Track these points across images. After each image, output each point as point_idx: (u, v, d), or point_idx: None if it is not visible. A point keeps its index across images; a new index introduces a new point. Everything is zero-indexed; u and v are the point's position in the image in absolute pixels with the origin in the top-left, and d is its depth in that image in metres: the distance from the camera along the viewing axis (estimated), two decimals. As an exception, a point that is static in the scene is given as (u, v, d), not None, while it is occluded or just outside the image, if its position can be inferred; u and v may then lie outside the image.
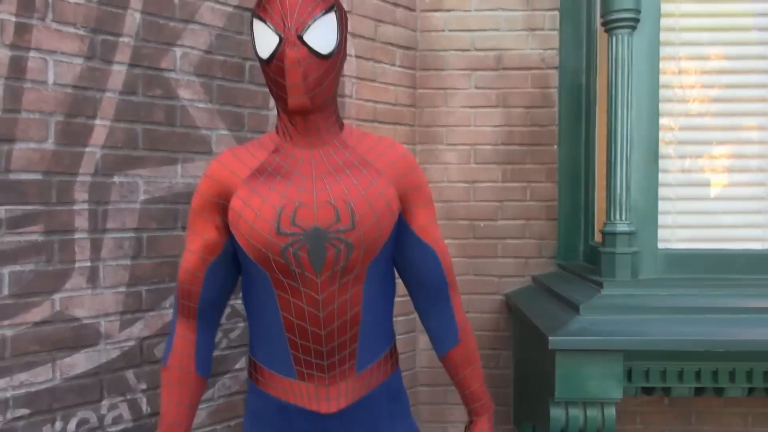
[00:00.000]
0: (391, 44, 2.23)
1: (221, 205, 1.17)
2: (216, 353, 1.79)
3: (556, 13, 2.31)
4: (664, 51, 1.96)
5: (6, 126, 1.42)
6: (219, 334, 1.80)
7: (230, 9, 1.80)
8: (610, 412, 1.74)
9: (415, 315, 2.35)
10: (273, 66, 1.08)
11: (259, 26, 1.09)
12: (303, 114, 1.12)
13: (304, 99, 1.08)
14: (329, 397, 1.20)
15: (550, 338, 1.63)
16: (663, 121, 1.97)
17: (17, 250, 1.45)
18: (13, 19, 1.42)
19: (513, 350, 2.34)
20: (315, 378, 1.18)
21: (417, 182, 1.25)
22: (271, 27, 1.07)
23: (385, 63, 2.22)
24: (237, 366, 1.85)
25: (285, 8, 1.06)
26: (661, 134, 1.97)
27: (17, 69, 1.43)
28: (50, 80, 1.48)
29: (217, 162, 1.18)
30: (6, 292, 1.44)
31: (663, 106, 1.96)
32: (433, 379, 2.37)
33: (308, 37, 1.07)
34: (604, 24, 1.88)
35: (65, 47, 1.50)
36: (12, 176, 1.44)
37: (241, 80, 1.83)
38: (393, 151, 1.23)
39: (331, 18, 1.10)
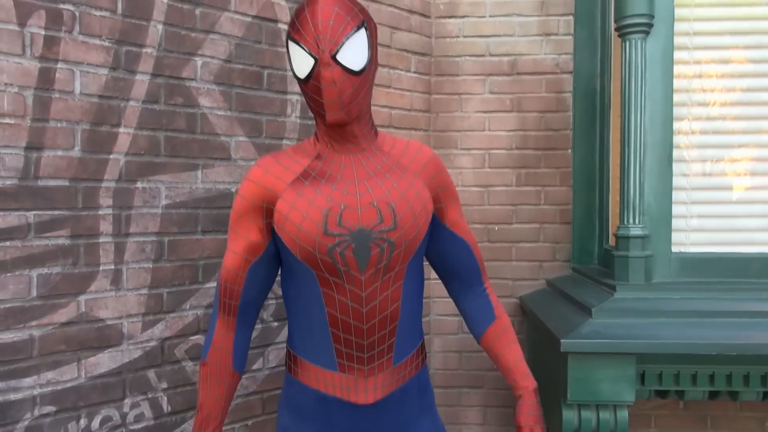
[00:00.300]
0: (407, 51, 2.27)
1: (265, 208, 1.23)
2: (234, 354, 1.84)
3: (571, 18, 2.33)
4: (678, 55, 1.96)
5: (35, 134, 1.49)
6: (237, 335, 1.85)
7: (249, 19, 1.85)
8: (623, 414, 1.74)
9: (430, 317, 2.38)
10: (310, 85, 1.15)
11: (294, 48, 1.16)
12: (341, 126, 1.19)
13: (341, 114, 1.15)
14: (367, 389, 1.26)
15: (562, 341, 1.65)
16: (677, 125, 1.97)
17: (45, 253, 1.51)
18: (43, 32, 1.49)
19: (527, 353, 2.35)
20: (355, 370, 1.25)
21: (446, 182, 1.34)
22: (306, 49, 1.13)
23: (401, 69, 2.25)
24: (254, 367, 1.90)
25: (318, 30, 1.11)
26: (676, 138, 1.98)
27: (46, 80, 1.50)
28: (77, 90, 1.54)
29: (259, 167, 1.24)
30: (34, 293, 1.50)
31: (677, 110, 1.97)
32: (448, 381, 2.39)
33: (341, 57, 1.13)
34: (617, 29, 1.89)
35: (91, 58, 1.56)
36: (41, 182, 1.50)
37: (259, 88, 1.88)
38: (423, 154, 1.31)
39: (362, 35, 1.15)
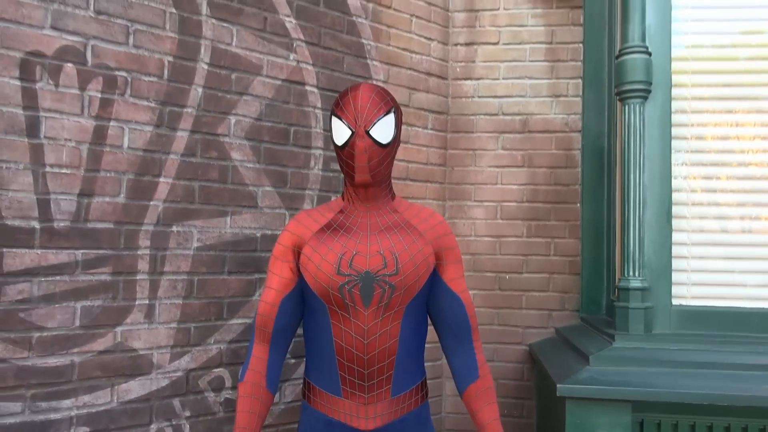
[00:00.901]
0: (424, 109, 2.46)
1: (296, 252, 1.49)
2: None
3: (579, 81, 2.49)
4: (677, 118, 2.09)
5: (87, 183, 1.70)
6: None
7: (279, 82, 2.07)
8: (621, 461, 1.80)
9: (442, 361, 2.48)
10: (345, 152, 1.42)
11: (336, 122, 1.44)
12: (365, 187, 1.45)
13: (368, 177, 1.42)
14: (368, 416, 1.44)
15: (558, 386, 1.74)
16: (676, 183, 2.07)
17: (89, 287, 1.70)
18: (99, 95, 1.72)
19: (536, 400, 2.42)
20: (356, 397, 1.44)
21: (450, 244, 1.55)
22: (346, 123, 1.42)
23: (418, 126, 2.44)
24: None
25: (357, 110, 1.41)
26: (676, 196, 2.07)
27: (99, 136, 1.72)
28: (125, 145, 1.76)
29: (295, 220, 1.53)
30: (77, 323, 1.68)
31: (677, 169, 2.08)
32: (458, 425, 2.47)
33: (373, 132, 1.41)
34: (617, 94, 2.04)
35: (139, 117, 1.79)
36: (89, 225, 1.70)
37: (285, 143, 2.08)
38: (433, 218, 1.55)
39: (391, 117, 1.44)
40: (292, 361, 2.09)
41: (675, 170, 2.07)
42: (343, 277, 1.42)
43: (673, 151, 2.05)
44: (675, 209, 2.06)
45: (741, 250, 2.07)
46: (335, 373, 1.45)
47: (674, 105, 2.08)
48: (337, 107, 1.46)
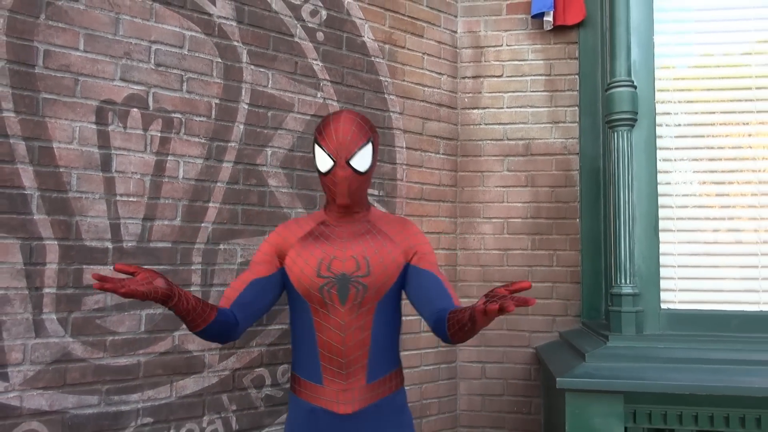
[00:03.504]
0: (436, 136, 2.74)
1: (279, 250, 1.68)
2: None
3: (576, 108, 2.76)
4: (660, 143, 2.34)
5: (149, 209, 2.00)
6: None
7: (308, 117, 2.36)
8: (616, 448, 2.03)
9: (457, 363, 2.73)
10: (328, 179, 1.61)
11: (319, 150, 1.61)
12: (346, 207, 1.66)
13: (347, 200, 1.62)
14: (345, 401, 1.62)
15: (558, 379, 1.99)
16: (662, 200, 2.33)
17: (152, 298, 1.99)
18: (159, 134, 2.03)
19: (542, 398, 2.66)
20: (336, 384, 1.63)
21: (418, 241, 1.71)
22: (328, 153, 1.59)
23: (431, 152, 2.72)
24: (305, 397, 2.30)
25: (339, 141, 1.58)
26: (662, 211, 2.33)
27: (159, 168, 2.02)
28: (180, 176, 2.06)
29: (284, 225, 1.73)
30: (143, 328, 1.97)
31: (662, 188, 2.33)
32: (472, 421, 2.71)
33: (353, 162, 1.59)
34: (607, 122, 2.30)
35: (191, 152, 2.09)
36: (152, 244, 2.00)
37: (314, 170, 2.37)
38: (401, 224, 1.74)
39: (369, 147, 1.62)
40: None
41: (660, 189, 2.32)
42: (323, 279, 1.61)
43: (658, 171, 2.31)
44: (662, 223, 2.31)
45: (722, 259, 2.31)
46: (317, 363, 1.63)
47: (658, 131, 2.34)
48: (320, 135, 1.61)
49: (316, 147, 1.63)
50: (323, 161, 1.61)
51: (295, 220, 1.74)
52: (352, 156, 1.58)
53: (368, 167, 1.63)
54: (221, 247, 2.14)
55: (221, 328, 1.54)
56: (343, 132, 1.58)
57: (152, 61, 2.02)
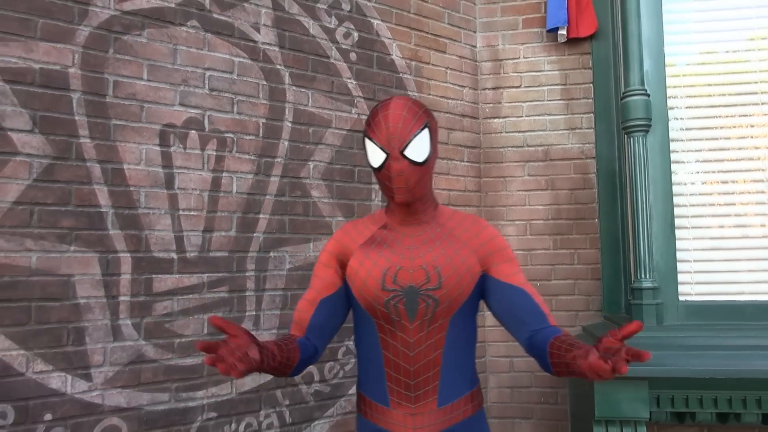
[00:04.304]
0: (461, 146, 2.92)
1: (340, 259, 1.50)
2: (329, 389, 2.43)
3: (591, 115, 2.93)
4: (673, 146, 2.52)
5: (208, 221, 2.19)
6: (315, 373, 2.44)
7: (345, 132, 2.55)
8: (642, 430, 2.21)
9: (486, 358, 2.91)
10: (382, 174, 1.39)
11: (370, 144, 1.39)
12: (407, 205, 1.44)
13: (407, 196, 1.38)
14: (415, 426, 1.43)
15: (587, 368, 2.16)
16: (677, 200, 2.50)
17: (212, 303, 2.18)
18: (215, 153, 2.21)
19: (569, 389, 2.83)
20: (403, 407, 1.44)
21: (498, 246, 1.48)
22: (379, 146, 1.36)
23: (456, 160, 2.90)
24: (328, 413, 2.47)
25: (389, 131, 1.35)
26: (678, 210, 2.50)
27: (215, 184, 2.21)
28: (234, 190, 2.25)
29: (342, 230, 1.54)
30: (205, 331, 2.16)
31: (676, 188, 2.50)
32: (502, 413, 2.88)
33: (408, 152, 1.36)
34: (623, 129, 2.48)
35: (243, 168, 2.28)
36: (211, 254, 2.19)
37: (352, 181, 2.56)
38: (475, 225, 1.50)
39: (425, 134, 1.38)
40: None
41: (675, 189, 2.49)
42: (388, 292, 1.41)
43: (672, 173, 2.48)
44: (677, 221, 2.49)
45: (735, 253, 2.48)
46: (383, 384, 1.45)
47: (671, 135, 2.52)
48: (368, 128, 1.39)
49: (366, 141, 1.41)
50: (375, 155, 1.39)
51: (353, 223, 1.54)
52: (406, 145, 1.35)
53: (427, 156, 1.38)
54: (271, 254, 2.33)
55: (305, 365, 1.45)
56: (393, 119, 1.36)
57: (206, 86, 2.21)
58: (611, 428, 2.22)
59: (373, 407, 1.48)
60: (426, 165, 1.39)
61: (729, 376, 2.11)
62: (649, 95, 2.44)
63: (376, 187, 2.63)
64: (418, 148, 1.37)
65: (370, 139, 1.38)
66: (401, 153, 1.35)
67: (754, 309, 2.40)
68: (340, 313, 1.51)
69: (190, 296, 2.13)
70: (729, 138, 2.52)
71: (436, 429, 1.43)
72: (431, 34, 2.86)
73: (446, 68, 2.91)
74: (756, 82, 2.52)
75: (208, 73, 2.22)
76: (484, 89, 3.03)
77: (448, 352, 1.44)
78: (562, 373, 1.30)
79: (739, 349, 2.22)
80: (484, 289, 1.48)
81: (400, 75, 2.74)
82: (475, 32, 3.03)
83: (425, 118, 1.39)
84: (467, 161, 2.94)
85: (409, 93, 2.76)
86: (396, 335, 1.43)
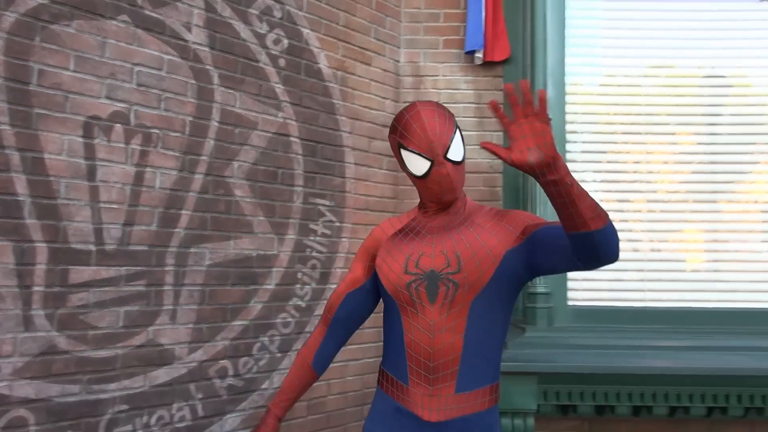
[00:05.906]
0: (381, 154, 3.08)
1: (371, 253, 1.65)
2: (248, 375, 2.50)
3: (501, 133, 3.18)
4: (573, 166, 2.80)
5: (129, 215, 2.21)
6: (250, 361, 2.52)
7: (270, 134, 2.64)
8: (530, 421, 2.45)
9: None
10: (429, 181, 1.47)
11: (410, 155, 1.48)
12: (453, 201, 1.53)
13: (455, 195, 1.50)
14: (431, 408, 1.48)
15: (485, 364, 2.37)
16: (570, 214, 2.78)
17: (129, 296, 2.20)
18: (139, 148, 2.24)
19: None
20: (421, 387, 1.49)
21: (514, 219, 1.51)
22: (422, 155, 1.45)
23: (375, 167, 3.05)
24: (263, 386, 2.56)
25: (430, 139, 1.44)
26: (570, 224, 2.78)
27: (138, 179, 2.23)
28: (157, 185, 2.28)
29: (379, 227, 1.67)
30: (121, 323, 2.17)
31: (570, 204, 2.78)
32: (409, 407, 3.05)
33: (450, 155, 1.46)
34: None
35: (167, 164, 2.31)
36: (130, 247, 2.21)
37: (275, 182, 2.65)
38: (491, 210, 1.57)
39: (459, 135, 1.49)
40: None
41: (569, 205, 2.77)
42: (410, 276, 1.50)
43: (567, 190, 2.76)
44: (570, 234, 2.77)
45: (621, 264, 2.79)
46: (404, 363, 1.52)
47: (571, 156, 2.80)
48: (404, 140, 1.47)
49: (405, 152, 1.49)
50: (417, 164, 1.47)
51: (389, 219, 1.67)
52: (447, 149, 1.45)
53: (463, 155, 1.50)
54: (192, 250, 2.37)
55: (326, 368, 1.68)
56: (431, 127, 1.45)
57: (134, 81, 2.24)
58: (503, 419, 2.45)
59: (394, 383, 1.55)
60: (464, 161, 1.52)
61: (605, 372, 2.39)
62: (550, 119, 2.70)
63: (298, 189, 2.74)
64: (457, 149, 1.48)
65: (410, 150, 1.47)
66: (445, 157, 1.45)
67: (633, 313, 2.71)
68: (364, 305, 1.66)
69: (107, 288, 2.15)
70: (625, 162, 2.83)
71: (451, 414, 1.48)
72: (358, 46, 3.00)
73: (370, 80, 3.06)
74: (650, 105, 2.85)
75: (136, 69, 2.24)
76: (405, 102, 3.20)
77: (470, 338, 1.48)
78: (575, 225, 1.26)
79: (618, 348, 2.52)
80: (506, 269, 1.48)
81: (326, 83, 2.86)
82: (399, 48, 3.21)
83: (453, 119, 1.51)
84: (386, 169, 3.11)
85: (334, 101, 2.89)
86: (417, 317, 1.50)
